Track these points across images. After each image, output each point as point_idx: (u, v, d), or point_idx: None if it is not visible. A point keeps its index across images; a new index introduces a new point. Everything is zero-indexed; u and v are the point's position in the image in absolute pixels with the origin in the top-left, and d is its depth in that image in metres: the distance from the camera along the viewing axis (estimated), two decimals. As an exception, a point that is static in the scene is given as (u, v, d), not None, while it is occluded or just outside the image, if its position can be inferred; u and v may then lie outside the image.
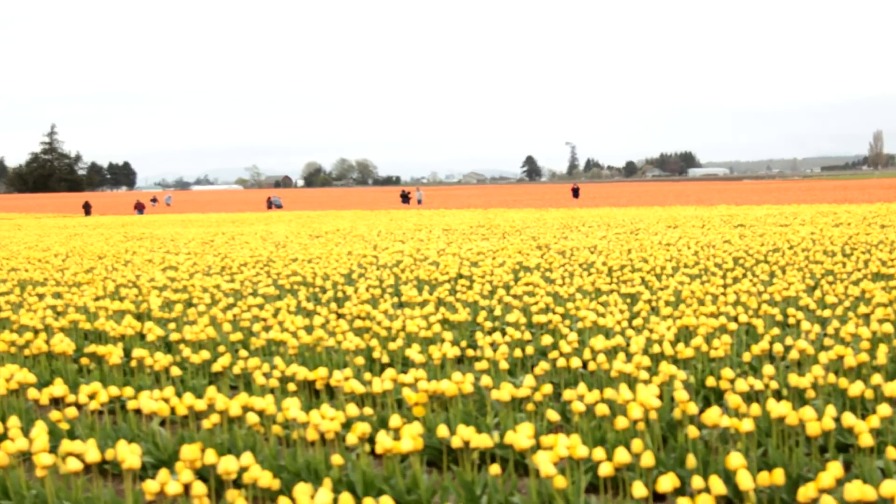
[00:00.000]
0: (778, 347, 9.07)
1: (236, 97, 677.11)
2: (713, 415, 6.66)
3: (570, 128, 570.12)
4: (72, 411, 7.81)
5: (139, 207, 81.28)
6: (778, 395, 8.12)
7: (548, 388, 7.88)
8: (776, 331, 10.22)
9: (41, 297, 16.06)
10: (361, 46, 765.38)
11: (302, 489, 5.54)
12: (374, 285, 15.93)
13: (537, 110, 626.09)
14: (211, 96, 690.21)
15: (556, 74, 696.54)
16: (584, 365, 9.32)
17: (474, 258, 20.38)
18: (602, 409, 7.18)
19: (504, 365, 9.29)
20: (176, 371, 9.49)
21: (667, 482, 5.59)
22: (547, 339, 10.13)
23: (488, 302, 13.73)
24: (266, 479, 6.07)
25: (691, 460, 6.35)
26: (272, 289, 15.62)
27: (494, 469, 6.22)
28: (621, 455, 5.98)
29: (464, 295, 14.31)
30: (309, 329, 11.62)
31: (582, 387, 7.65)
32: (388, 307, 13.02)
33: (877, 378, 7.55)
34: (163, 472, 5.96)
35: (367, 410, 7.89)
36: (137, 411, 8.12)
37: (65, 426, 7.78)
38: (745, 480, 5.48)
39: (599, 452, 6.11)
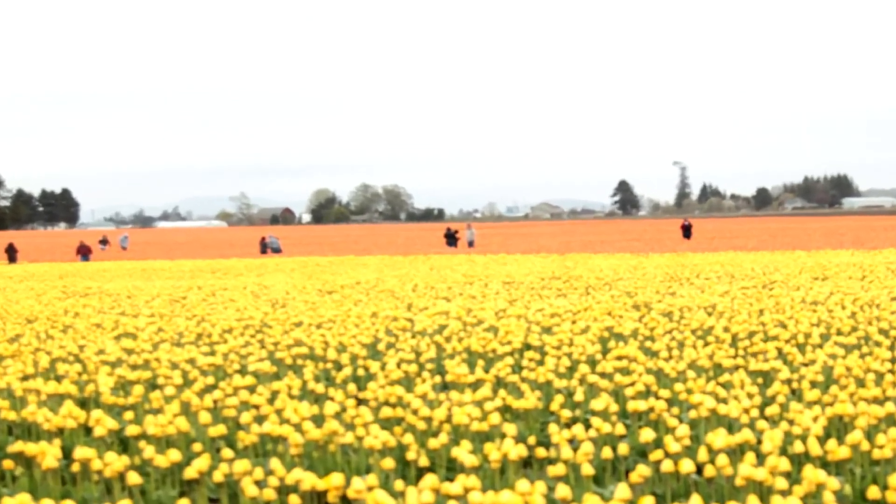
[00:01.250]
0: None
1: (218, 102, 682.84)
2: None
3: (678, 143, 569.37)
4: (-8, 533, 7.87)
5: (84, 252, 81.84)
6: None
7: (649, 502, 7.87)
8: (967, 422, 10.15)
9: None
10: (390, 36, 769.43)
11: None
12: (409, 359, 15.95)
13: (633, 120, 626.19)
14: (183, 100, 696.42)
15: (660, 74, 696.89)
16: (699, 469, 9.29)
17: (547, 322, 20.38)
18: (724, 531, 7.15)
19: (588, 469, 9.28)
20: (135, 478, 9.53)
21: None
22: (647, 434, 10.10)
23: (566, 382, 13.73)
24: None
25: None
26: (267, 364, 15.68)
27: None
28: None
29: (532, 373, 14.31)
30: (318, 420, 11.65)
31: (696, 499, 7.63)
32: (428, 390, 13.04)
33: None
34: None
35: (399, 532, 7.90)
36: (82, 532, 8.18)
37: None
38: None
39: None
